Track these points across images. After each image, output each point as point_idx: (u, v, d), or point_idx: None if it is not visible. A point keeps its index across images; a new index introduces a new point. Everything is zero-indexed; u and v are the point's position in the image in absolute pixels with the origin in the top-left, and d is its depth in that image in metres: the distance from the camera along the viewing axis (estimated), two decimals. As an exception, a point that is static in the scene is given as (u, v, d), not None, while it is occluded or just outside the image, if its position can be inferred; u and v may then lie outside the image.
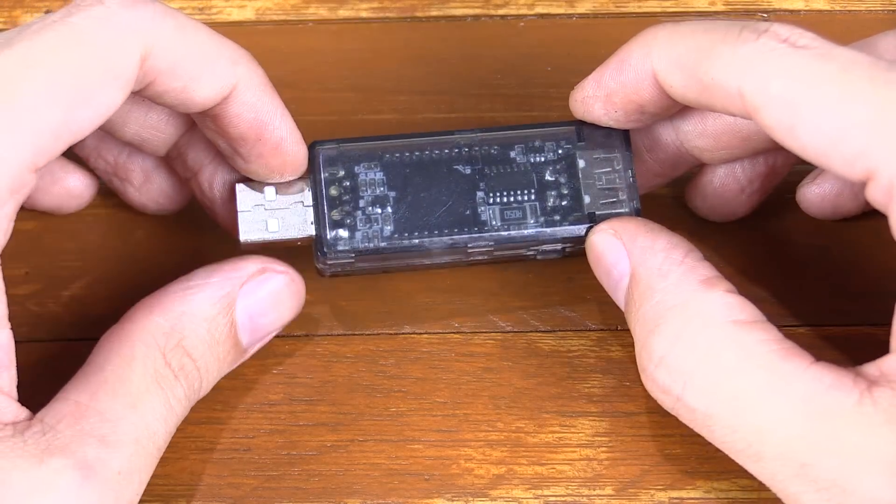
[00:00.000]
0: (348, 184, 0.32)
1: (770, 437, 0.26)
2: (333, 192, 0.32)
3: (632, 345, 0.34)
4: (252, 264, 0.31)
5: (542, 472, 0.32)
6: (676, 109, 0.31)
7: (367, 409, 0.33)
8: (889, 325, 0.26)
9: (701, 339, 0.28)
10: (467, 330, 0.34)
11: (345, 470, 0.32)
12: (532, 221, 0.32)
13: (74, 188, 0.35)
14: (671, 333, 0.28)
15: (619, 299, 0.31)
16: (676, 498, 0.31)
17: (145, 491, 0.31)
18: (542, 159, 0.32)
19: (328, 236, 0.31)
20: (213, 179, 0.33)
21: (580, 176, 0.32)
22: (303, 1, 0.39)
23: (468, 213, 0.32)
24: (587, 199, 0.32)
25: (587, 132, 0.32)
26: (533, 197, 0.32)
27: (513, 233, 0.32)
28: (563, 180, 0.32)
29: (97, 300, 0.34)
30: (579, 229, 0.32)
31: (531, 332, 0.34)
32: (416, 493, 0.32)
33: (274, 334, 0.33)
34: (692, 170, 0.34)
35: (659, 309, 0.29)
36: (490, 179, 0.32)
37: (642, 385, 0.33)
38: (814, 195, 0.34)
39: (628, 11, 0.39)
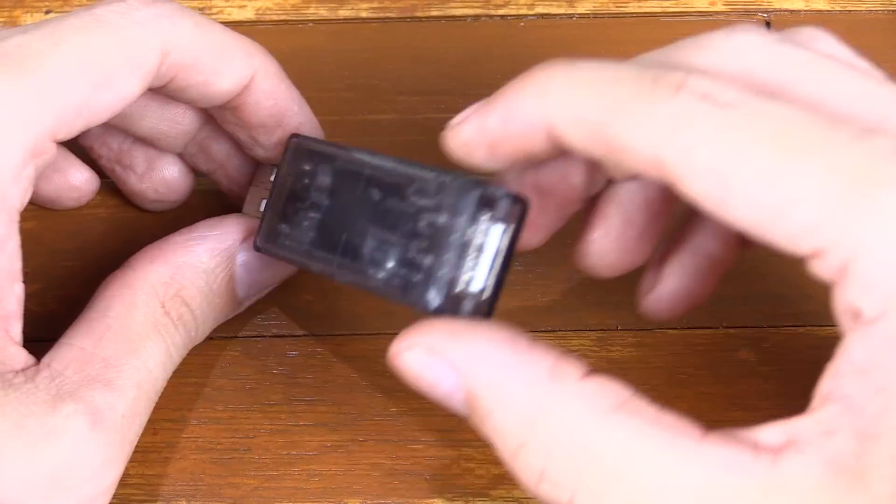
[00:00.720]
0: (298, 182, 0.30)
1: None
2: (281, 185, 0.31)
3: (632, 346, 0.34)
4: (247, 220, 0.32)
5: (543, 472, 0.32)
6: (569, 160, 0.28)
7: (367, 409, 0.33)
8: None
9: (575, 447, 0.24)
10: (467, 330, 0.34)
11: (345, 470, 0.32)
12: (379, 273, 0.28)
13: (75, 181, 0.35)
14: (542, 449, 0.25)
15: (456, 409, 0.27)
16: (676, 498, 0.31)
17: (146, 491, 0.31)
18: (425, 205, 0.27)
19: (260, 233, 0.31)
20: (241, 169, 0.34)
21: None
22: (303, 1, 0.39)
23: (355, 243, 0.28)
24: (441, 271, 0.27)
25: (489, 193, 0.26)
26: (395, 245, 0.28)
27: (364, 277, 0.28)
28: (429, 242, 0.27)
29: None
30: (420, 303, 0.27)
31: (530, 331, 0.34)
32: (416, 493, 0.32)
33: (270, 289, 0.33)
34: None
35: (517, 425, 0.25)
36: (383, 213, 0.28)
37: (642, 385, 0.33)
38: (595, 248, 0.29)
39: (628, 11, 0.39)
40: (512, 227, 0.27)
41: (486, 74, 0.38)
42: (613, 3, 0.39)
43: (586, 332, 0.34)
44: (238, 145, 0.34)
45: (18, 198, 0.28)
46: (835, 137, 0.23)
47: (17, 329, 0.28)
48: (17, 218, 0.28)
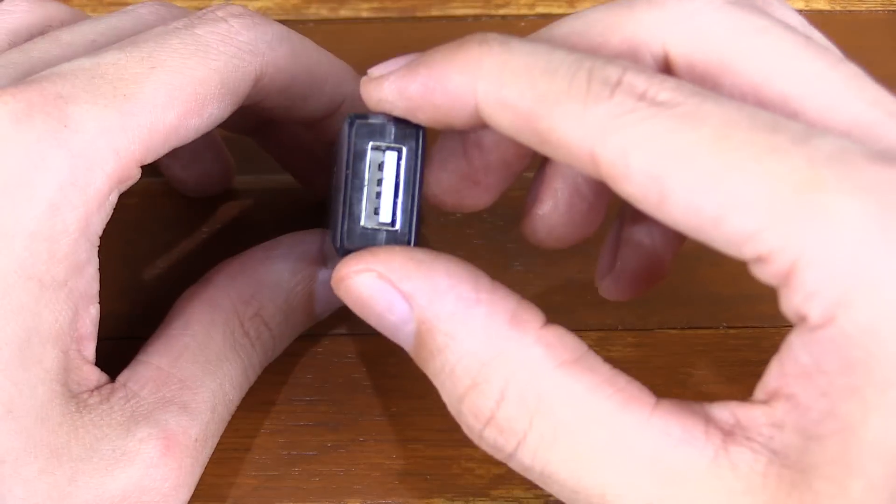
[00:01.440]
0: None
1: (615, 502, 0.23)
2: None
3: (632, 345, 0.34)
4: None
5: (543, 472, 0.32)
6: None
7: (367, 409, 0.33)
8: None
9: (529, 394, 0.24)
10: (467, 330, 0.34)
11: (345, 470, 0.32)
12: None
13: (214, 173, 0.36)
14: (495, 391, 0.24)
15: (404, 341, 0.26)
16: (676, 498, 0.31)
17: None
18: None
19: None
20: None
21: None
22: (303, 1, 0.39)
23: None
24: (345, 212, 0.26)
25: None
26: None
27: None
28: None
29: (99, 301, 0.34)
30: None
31: (531, 332, 0.34)
32: (417, 492, 0.32)
33: (339, 305, 0.33)
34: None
35: (472, 363, 0.24)
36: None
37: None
38: (543, 220, 0.29)
39: (628, 11, 0.39)
40: (405, 153, 0.26)
41: (487, 74, 0.38)
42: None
43: (586, 332, 0.34)
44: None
45: (101, 224, 0.28)
46: (776, 141, 0.22)
47: (90, 350, 0.28)
48: (97, 243, 0.28)
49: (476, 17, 0.39)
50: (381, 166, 0.26)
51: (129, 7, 0.31)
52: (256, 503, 0.32)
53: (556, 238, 0.29)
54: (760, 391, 0.23)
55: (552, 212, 0.29)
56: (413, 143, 0.26)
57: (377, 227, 0.26)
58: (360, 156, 0.26)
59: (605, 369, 0.24)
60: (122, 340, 0.32)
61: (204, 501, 0.32)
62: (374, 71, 0.26)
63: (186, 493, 0.29)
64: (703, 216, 0.22)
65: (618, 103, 0.23)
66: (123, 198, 0.36)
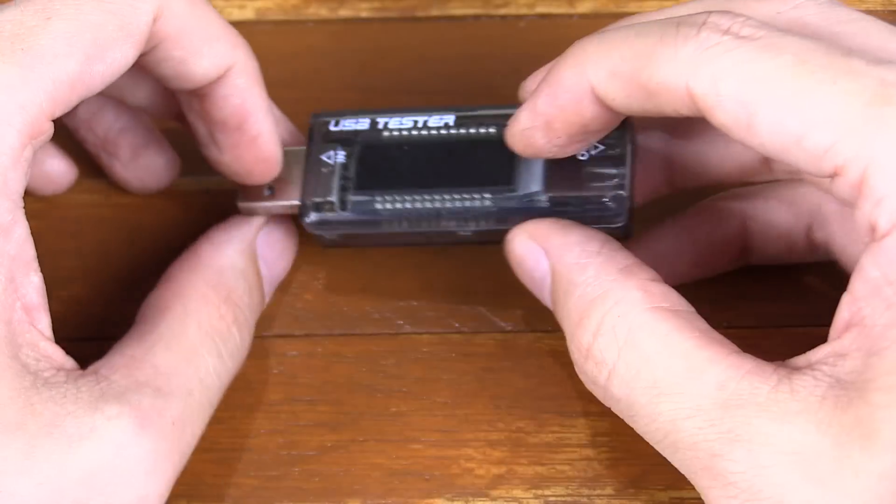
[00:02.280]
0: (339, 161, 0.33)
1: (683, 426, 0.26)
2: (323, 168, 0.32)
3: (632, 345, 0.34)
4: (256, 218, 0.33)
5: (543, 471, 0.32)
6: (620, 120, 0.30)
7: (367, 409, 0.33)
8: None
9: (621, 327, 0.27)
10: (467, 330, 0.34)
11: (345, 470, 0.32)
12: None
13: (52, 172, 0.35)
14: (593, 325, 0.28)
15: (546, 300, 0.30)
16: (676, 498, 0.31)
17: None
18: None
19: (308, 216, 0.32)
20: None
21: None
22: (303, 1, 0.39)
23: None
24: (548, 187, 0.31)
25: None
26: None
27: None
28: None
29: (97, 300, 0.34)
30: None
31: (531, 332, 0.34)
32: (416, 493, 0.32)
33: (279, 282, 0.34)
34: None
35: (581, 302, 0.28)
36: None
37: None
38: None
39: (628, 11, 0.39)
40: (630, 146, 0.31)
41: (486, 74, 0.38)
42: (613, 3, 0.39)
43: (586, 332, 0.34)
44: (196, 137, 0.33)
45: (19, 183, 0.27)
46: (849, 64, 0.25)
47: (44, 322, 0.27)
48: (20, 203, 0.27)
49: (476, 17, 0.39)
50: None
51: None
52: (256, 503, 0.32)
53: (770, 257, 0.33)
54: (833, 330, 0.25)
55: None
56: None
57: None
58: None
59: (700, 322, 0.27)
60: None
61: (204, 501, 0.32)
62: (510, 120, 0.30)
63: (164, 477, 0.28)
64: (787, 136, 0.25)
65: (704, 38, 0.26)
66: (122, 198, 0.36)
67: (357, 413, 0.33)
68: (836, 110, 0.24)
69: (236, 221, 0.33)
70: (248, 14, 0.39)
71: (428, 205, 0.31)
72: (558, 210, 0.31)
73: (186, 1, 0.29)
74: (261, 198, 0.33)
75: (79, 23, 0.28)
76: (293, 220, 0.34)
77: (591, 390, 0.29)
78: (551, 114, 0.29)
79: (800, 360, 0.26)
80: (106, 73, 0.28)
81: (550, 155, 0.30)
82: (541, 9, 0.39)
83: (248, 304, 0.31)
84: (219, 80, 0.31)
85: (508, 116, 0.30)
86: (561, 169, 0.31)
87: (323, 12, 0.39)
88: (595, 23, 0.38)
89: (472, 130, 0.32)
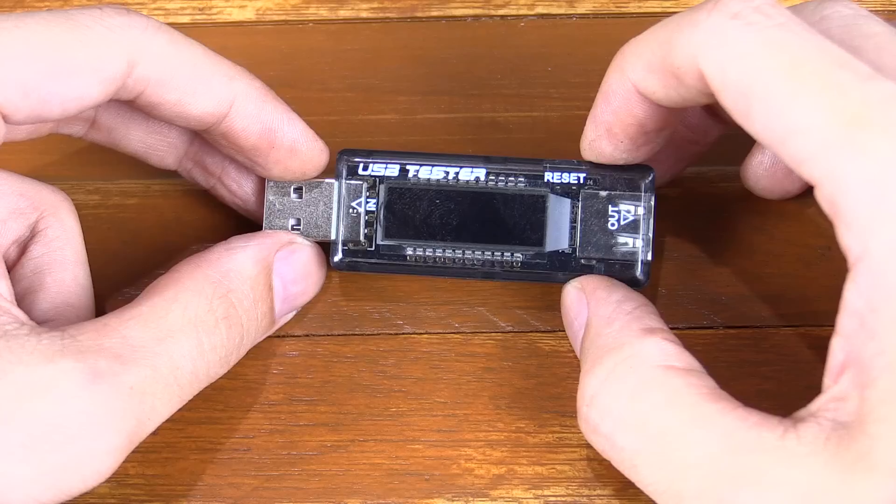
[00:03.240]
0: (371, 198, 0.33)
1: (691, 473, 0.26)
2: (352, 211, 0.33)
3: (632, 345, 0.34)
4: (284, 234, 0.33)
5: (543, 472, 0.32)
6: (677, 118, 0.31)
7: (367, 409, 0.33)
8: None
9: (631, 378, 0.28)
10: (467, 330, 0.34)
11: (345, 470, 0.32)
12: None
13: None
14: (604, 373, 0.29)
15: (577, 349, 0.31)
16: (676, 498, 0.31)
17: (146, 491, 0.31)
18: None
19: (336, 254, 0.33)
20: (240, 179, 0.34)
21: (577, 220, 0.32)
22: (303, 1, 0.39)
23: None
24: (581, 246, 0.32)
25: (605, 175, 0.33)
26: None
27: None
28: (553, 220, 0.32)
29: (97, 300, 0.34)
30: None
31: (531, 332, 0.34)
32: (416, 493, 0.32)
33: (298, 309, 0.34)
34: (748, 146, 0.34)
35: (599, 351, 0.29)
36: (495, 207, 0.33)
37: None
38: (751, 172, 0.34)
39: (628, 11, 0.39)
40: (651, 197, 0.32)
41: (486, 74, 0.38)
42: (613, 3, 0.39)
43: (586, 332, 0.34)
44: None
45: None
46: (840, 77, 0.25)
47: (3, 286, 0.28)
48: None
49: (475, 17, 0.39)
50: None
51: None
52: (256, 503, 0.32)
53: (762, 188, 0.34)
54: (828, 375, 0.26)
55: (758, 165, 0.33)
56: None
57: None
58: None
59: (709, 381, 0.28)
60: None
61: (204, 501, 0.32)
62: (582, 137, 0.31)
63: (114, 439, 0.27)
64: (774, 135, 0.25)
65: (714, 22, 0.26)
66: (122, 198, 0.36)
67: (357, 413, 0.33)
68: (816, 124, 0.25)
69: (261, 233, 0.33)
70: (248, 14, 0.39)
71: (458, 254, 0.32)
72: (585, 269, 0.32)
73: (168, 45, 0.30)
74: (286, 231, 0.33)
75: (47, 39, 0.28)
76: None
77: (590, 441, 0.29)
78: (609, 120, 0.30)
79: (802, 412, 0.26)
80: (67, 97, 0.28)
81: (623, 161, 0.31)
82: (541, 9, 0.39)
83: (247, 308, 0.31)
84: (229, 115, 0.31)
85: (538, 170, 0.32)
86: (588, 230, 0.32)
87: (323, 12, 0.39)
88: (595, 23, 0.38)
89: (502, 184, 0.33)
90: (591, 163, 0.32)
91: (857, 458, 0.24)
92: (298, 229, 0.33)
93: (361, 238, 0.33)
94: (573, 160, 0.33)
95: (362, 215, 0.33)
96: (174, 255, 0.35)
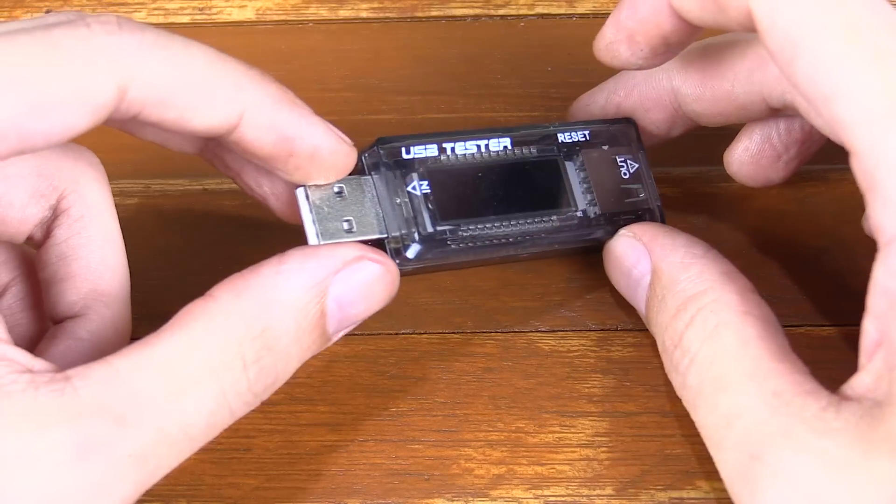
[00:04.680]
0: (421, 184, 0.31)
1: (735, 424, 0.27)
2: (407, 199, 0.31)
3: (632, 346, 0.34)
4: (350, 251, 0.30)
5: (543, 472, 0.32)
6: (699, 34, 0.30)
7: (367, 409, 0.33)
8: None
9: (712, 321, 0.29)
10: (467, 330, 0.34)
11: (345, 470, 0.32)
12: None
13: None
14: (688, 316, 0.29)
15: (639, 297, 0.32)
16: (676, 498, 0.31)
17: (146, 491, 0.31)
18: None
19: (408, 250, 0.31)
20: (258, 178, 0.32)
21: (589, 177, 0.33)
22: (303, 1, 0.39)
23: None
24: (599, 200, 0.33)
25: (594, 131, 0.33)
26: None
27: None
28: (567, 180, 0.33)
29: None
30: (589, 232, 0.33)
31: (531, 332, 0.34)
32: (416, 493, 0.32)
33: (358, 324, 0.31)
34: (733, 132, 0.34)
35: (681, 296, 0.30)
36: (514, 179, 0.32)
37: (642, 385, 0.33)
38: (735, 158, 0.34)
39: (628, 11, 0.39)
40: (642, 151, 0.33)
41: (486, 74, 0.38)
42: (613, 3, 0.39)
43: (586, 332, 0.34)
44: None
45: None
46: (893, 49, 0.24)
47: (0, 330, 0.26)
48: None
49: (476, 17, 0.39)
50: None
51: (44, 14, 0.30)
52: (256, 503, 0.32)
53: (745, 175, 0.34)
54: (863, 355, 0.26)
55: (744, 151, 0.34)
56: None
57: None
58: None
59: (781, 336, 0.28)
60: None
61: (204, 501, 0.32)
62: (597, 36, 0.31)
63: None
64: (817, 91, 0.25)
65: None
66: (122, 198, 0.36)
67: (357, 413, 0.33)
68: (865, 90, 0.24)
69: (323, 250, 0.29)
70: (248, 14, 0.39)
71: (505, 230, 0.32)
72: (613, 223, 0.33)
73: (165, 62, 0.27)
74: (341, 235, 0.30)
75: (28, 73, 0.25)
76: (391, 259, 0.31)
77: (670, 378, 0.30)
78: (633, 27, 0.30)
79: (848, 390, 0.26)
80: (50, 132, 0.26)
81: (635, 66, 0.31)
82: (541, 9, 0.39)
83: (285, 346, 0.28)
84: (239, 126, 0.28)
85: (550, 132, 0.33)
86: (602, 186, 0.33)
87: (323, 12, 0.39)
88: (595, 23, 0.38)
89: (528, 151, 0.32)
90: (579, 122, 0.33)
91: (883, 437, 0.24)
92: (353, 231, 0.30)
93: (428, 225, 0.31)
94: (559, 122, 0.33)
95: (415, 201, 0.31)
96: (174, 256, 0.35)
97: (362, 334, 0.34)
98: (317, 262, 0.29)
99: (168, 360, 0.27)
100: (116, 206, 0.36)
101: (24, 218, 0.31)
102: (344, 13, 0.39)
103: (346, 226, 0.30)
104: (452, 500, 0.32)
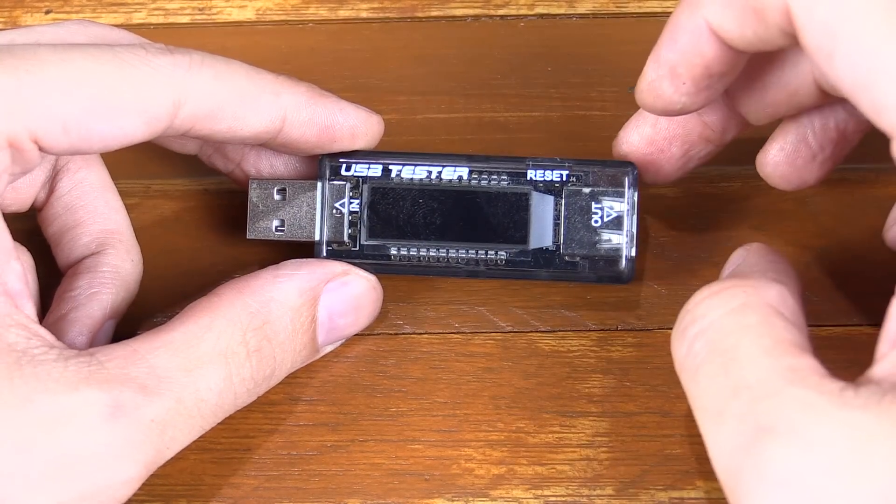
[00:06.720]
0: (355, 198, 0.33)
1: (742, 394, 0.26)
2: (335, 212, 0.33)
3: (632, 346, 0.34)
4: (338, 265, 0.32)
5: (543, 472, 0.32)
6: (742, 64, 0.30)
7: (367, 409, 0.33)
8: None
9: (739, 299, 0.28)
10: (467, 330, 0.34)
11: (345, 470, 0.32)
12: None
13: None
14: (718, 287, 0.28)
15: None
16: (676, 498, 0.31)
17: (146, 491, 0.31)
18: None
19: (322, 254, 0.33)
20: (259, 164, 0.34)
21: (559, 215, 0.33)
22: (303, 1, 0.39)
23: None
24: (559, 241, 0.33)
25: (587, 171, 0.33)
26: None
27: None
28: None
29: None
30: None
31: (531, 332, 0.34)
32: (416, 493, 0.32)
33: (346, 339, 0.33)
34: (766, 133, 0.33)
35: (726, 273, 0.30)
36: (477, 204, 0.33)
37: (642, 385, 0.33)
38: (770, 158, 0.33)
39: (628, 11, 0.39)
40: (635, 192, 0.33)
41: (486, 74, 0.38)
42: (613, 3, 0.39)
43: (586, 332, 0.34)
44: (256, 146, 0.34)
45: None
46: None
47: (29, 308, 0.28)
48: None
49: (476, 17, 0.39)
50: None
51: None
52: (256, 503, 0.32)
53: (780, 176, 0.33)
54: (885, 343, 0.26)
55: (779, 151, 0.33)
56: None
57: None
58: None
59: (804, 340, 0.27)
60: (121, 340, 0.31)
61: (204, 501, 0.32)
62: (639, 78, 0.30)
63: (132, 470, 0.28)
64: (857, 78, 0.25)
65: None
66: (122, 198, 0.36)
67: (357, 413, 0.33)
68: None
69: (315, 261, 0.32)
70: (248, 14, 0.39)
71: (442, 253, 0.33)
72: (570, 266, 0.33)
73: (212, 81, 0.30)
74: (270, 233, 0.33)
75: (94, 76, 0.28)
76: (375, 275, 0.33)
77: (672, 344, 0.28)
78: (674, 59, 0.29)
79: (863, 377, 0.26)
80: (108, 135, 0.29)
81: (680, 108, 0.30)
82: (541, 9, 0.39)
83: (282, 341, 0.31)
84: (283, 128, 0.31)
85: (521, 168, 0.33)
86: (572, 227, 0.32)
87: (323, 12, 0.39)
88: (595, 23, 0.38)
89: (485, 182, 0.33)
90: (573, 160, 0.33)
91: None
92: (283, 230, 0.33)
93: (345, 238, 0.33)
94: (556, 158, 0.33)
95: (346, 216, 0.33)
96: (174, 256, 0.35)
97: (362, 334, 0.34)
98: (308, 270, 0.32)
99: (181, 342, 0.29)
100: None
101: (33, 180, 0.33)
102: (344, 13, 0.39)
103: (276, 224, 0.33)
104: (452, 500, 0.32)
